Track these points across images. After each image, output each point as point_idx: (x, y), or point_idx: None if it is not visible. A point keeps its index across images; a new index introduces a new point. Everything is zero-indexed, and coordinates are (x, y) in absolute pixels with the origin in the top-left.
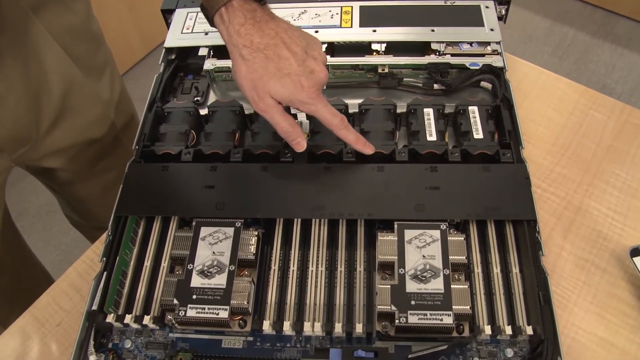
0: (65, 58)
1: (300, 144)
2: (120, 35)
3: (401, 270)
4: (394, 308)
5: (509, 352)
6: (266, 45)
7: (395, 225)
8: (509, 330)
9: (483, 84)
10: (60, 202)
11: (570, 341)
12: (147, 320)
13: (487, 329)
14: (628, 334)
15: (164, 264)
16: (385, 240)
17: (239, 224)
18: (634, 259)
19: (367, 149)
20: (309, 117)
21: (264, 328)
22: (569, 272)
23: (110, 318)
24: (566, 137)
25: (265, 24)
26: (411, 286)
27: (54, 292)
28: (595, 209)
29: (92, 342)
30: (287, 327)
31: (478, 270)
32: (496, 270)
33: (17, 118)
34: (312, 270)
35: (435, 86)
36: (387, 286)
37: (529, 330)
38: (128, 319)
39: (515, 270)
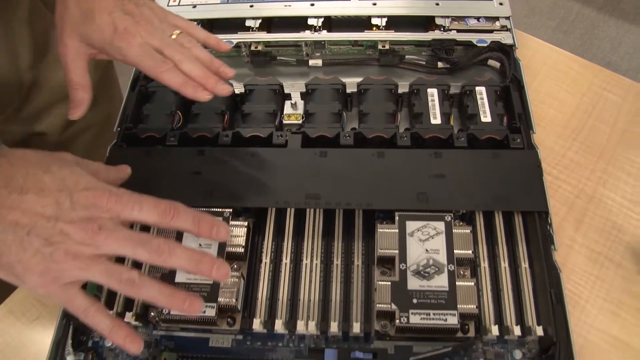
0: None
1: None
2: None
3: (402, 266)
4: (394, 307)
5: (517, 354)
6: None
7: (397, 217)
8: (517, 330)
9: (491, 62)
10: None
11: (582, 341)
12: (129, 317)
13: (494, 329)
14: None
15: None
16: (386, 232)
17: (228, 214)
18: None
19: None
20: (303, 96)
21: (254, 327)
22: (580, 267)
23: None
24: (579, 120)
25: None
26: (413, 283)
27: None
28: (609, 198)
29: (69, 341)
30: (279, 326)
31: (485, 264)
32: (504, 264)
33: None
34: (306, 264)
35: (440, 64)
36: (387, 283)
37: (539, 331)
38: None
39: (524, 265)
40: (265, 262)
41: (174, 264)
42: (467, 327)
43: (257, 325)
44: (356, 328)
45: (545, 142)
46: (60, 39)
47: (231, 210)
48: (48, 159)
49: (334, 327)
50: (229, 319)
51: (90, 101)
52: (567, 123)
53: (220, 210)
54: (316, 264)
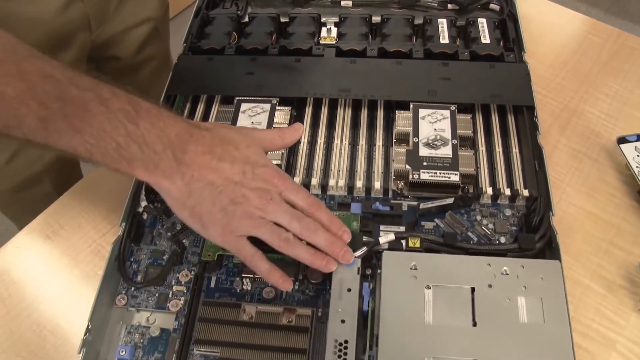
0: None
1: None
2: None
3: (415, 139)
4: (408, 167)
5: (508, 212)
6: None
7: (411, 105)
8: (508, 191)
9: (492, 6)
10: None
11: (562, 213)
12: None
13: (489, 190)
14: (613, 210)
15: None
16: (402, 115)
17: (275, 102)
18: (621, 145)
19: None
20: (336, 25)
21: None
22: (564, 160)
23: None
24: (566, 56)
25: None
26: (424, 151)
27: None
28: (589, 112)
29: (143, 193)
30: (314, 183)
31: (482, 148)
32: (498, 149)
33: None
34: (336, 144)
35: (449, 6)
36: (403, 150)
37: (526, 193)
38: None
39: (515, 150)
40: (303, 143)
41: (315, 240)
42: (466, 188)
43: (297, 181)
44: (377, 186)
45: (536, 71)
46: None
47: (277, 99)
48: (239, 137)
49: (359, 184)
50: None
51: None
52: (556, 57)
53: (269, 98)
54: (345, 144)
